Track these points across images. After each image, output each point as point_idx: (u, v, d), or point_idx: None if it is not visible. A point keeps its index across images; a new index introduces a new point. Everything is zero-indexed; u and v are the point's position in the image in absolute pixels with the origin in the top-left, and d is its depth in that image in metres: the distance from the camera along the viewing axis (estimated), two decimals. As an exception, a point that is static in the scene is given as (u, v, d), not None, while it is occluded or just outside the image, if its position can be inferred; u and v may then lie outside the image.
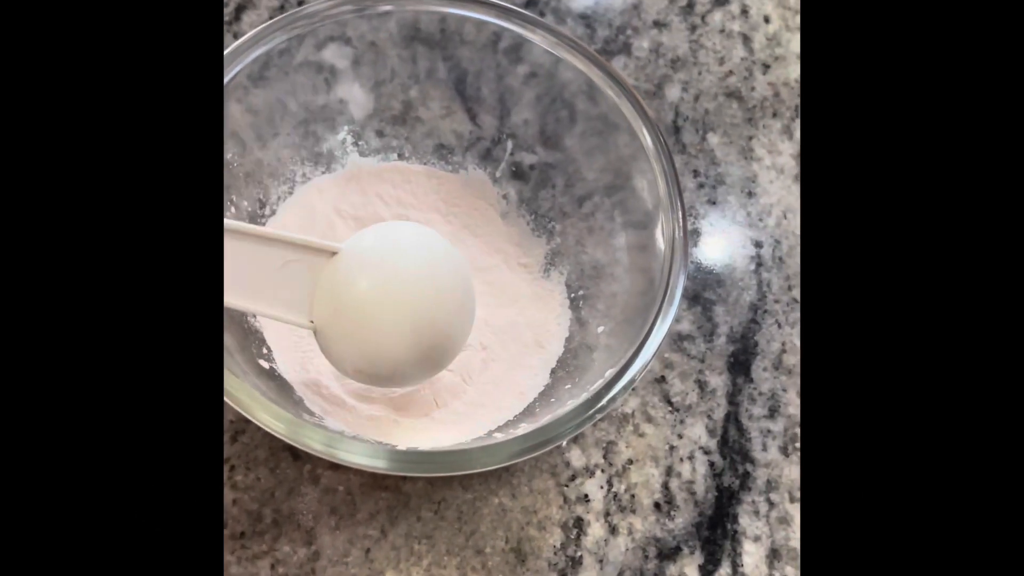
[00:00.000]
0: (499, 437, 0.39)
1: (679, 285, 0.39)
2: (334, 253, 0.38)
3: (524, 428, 0.40)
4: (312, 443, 0.35)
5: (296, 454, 0.42)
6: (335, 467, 0.42)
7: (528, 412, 0.41)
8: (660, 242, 0.41)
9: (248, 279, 0.37)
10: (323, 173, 0.46)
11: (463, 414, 0.41)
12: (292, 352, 0.42)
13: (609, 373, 0.37)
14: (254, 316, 0.42)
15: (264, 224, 0.45)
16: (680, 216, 0.40)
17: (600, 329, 0.43)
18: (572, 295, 0.45)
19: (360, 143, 0.47)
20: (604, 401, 0.37)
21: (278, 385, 0.41)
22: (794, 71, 0.53)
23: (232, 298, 0.37)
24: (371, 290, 0.37)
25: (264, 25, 0.43)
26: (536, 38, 0.44)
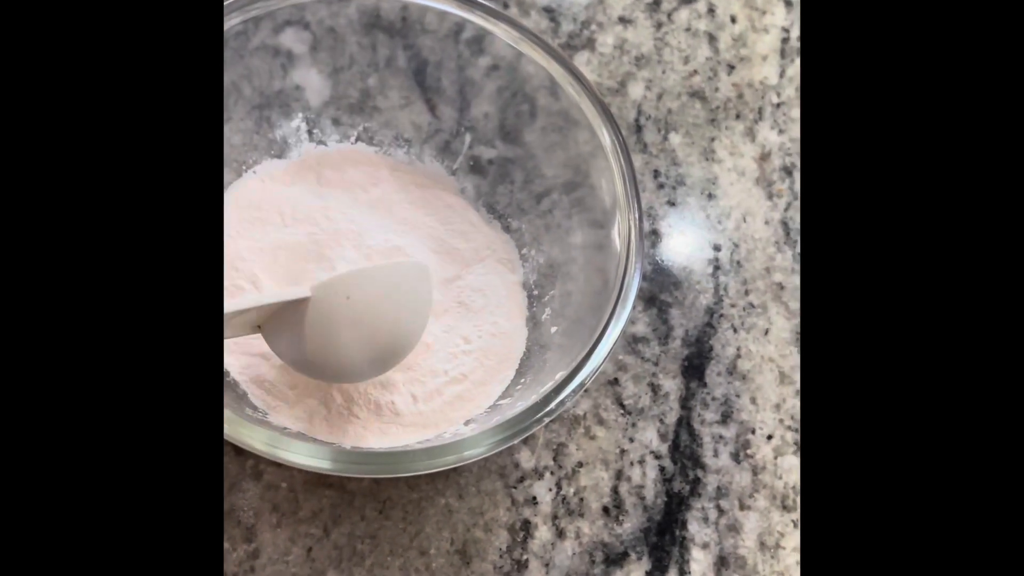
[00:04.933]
0: (447, 438, 0.39)
1: (633, 287, 0.38)
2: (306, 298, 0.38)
3: (472, 429, 0.39)
4: (253, 442, 0.35)
5: (238, 449, 0.41)
6: (278, 463, 0.41)
7: (477, 412, 0.40)
8: (616, 242, 0.41)
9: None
10: (274, 157, 0.45)
11: (413, 414, 0.40)
12: (239, 343, 0.41)
13: (560, 375, 0.37)
14: None
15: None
16: (637, 217, 0.40)
17: (554, 329, 0.42)
18: (527, 293, 0.44)
19: (315, 131, 0.46)
20: (553, 405, 0.36)
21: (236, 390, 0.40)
22: (759, 72, 0.53)
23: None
24: (340, 330, 0.38)
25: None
26: (498, 31, 0.43)
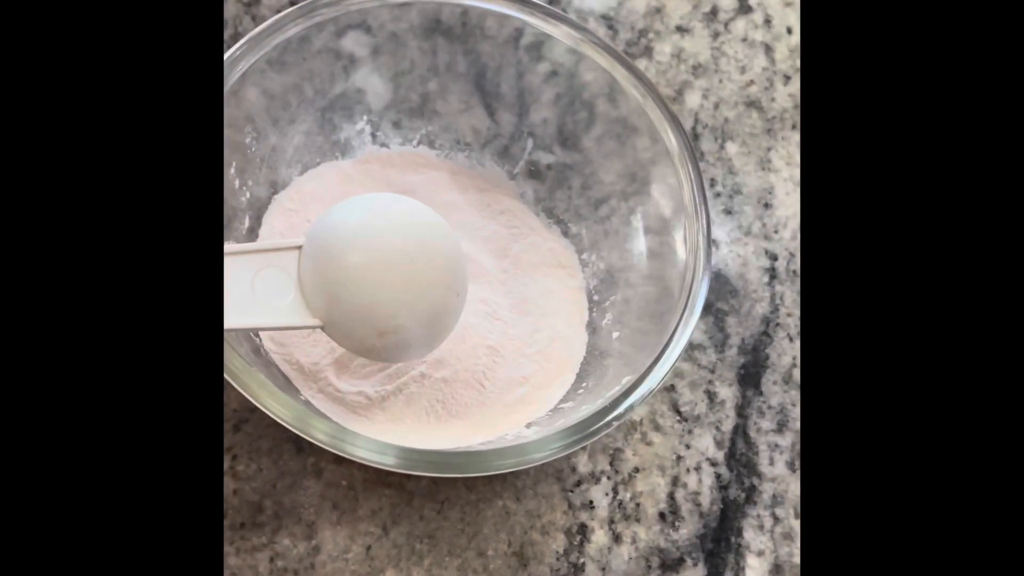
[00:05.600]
0: (510, 439, 0.39)
1: (701, 295, 0.38)
2: (299, 247, 0.37)
3: (534, 431, 0.39)
4: (318, 435, 0.35)
5: (300, 446, 0.41)
6: (338, 461, 0.41)
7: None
8: (679, 249, 0.41)
9: (231, 297, 0.36)
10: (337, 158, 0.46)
11: (474, 415, 0.41)
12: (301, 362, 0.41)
13: (627, 380, 0.37)
14: None
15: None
16: (705, 223, 0.40)
17: (615, 335, 0.42)
18: (587, 298, 0.44)
19: (377, 133, 0.46)
20: (621, 409, 0.36)
21: (283, 378, 0.40)
22: (815, 84, 0.53)
23: (229, 320, 0.35)
24: (360, 264, 0.37)
25: (285, 12, 0.42)
26: (559, 33, 0.44)
